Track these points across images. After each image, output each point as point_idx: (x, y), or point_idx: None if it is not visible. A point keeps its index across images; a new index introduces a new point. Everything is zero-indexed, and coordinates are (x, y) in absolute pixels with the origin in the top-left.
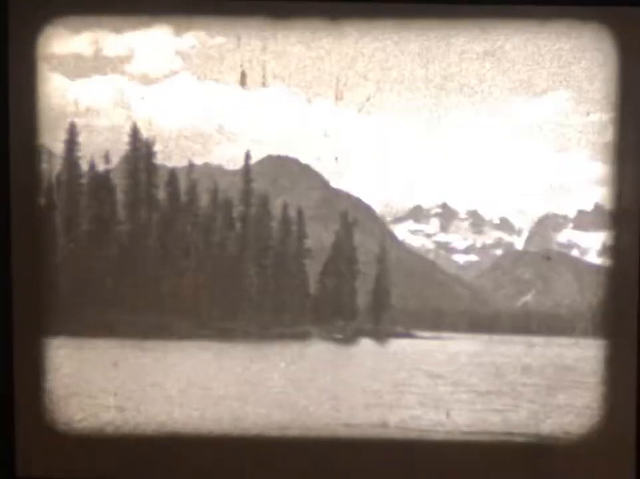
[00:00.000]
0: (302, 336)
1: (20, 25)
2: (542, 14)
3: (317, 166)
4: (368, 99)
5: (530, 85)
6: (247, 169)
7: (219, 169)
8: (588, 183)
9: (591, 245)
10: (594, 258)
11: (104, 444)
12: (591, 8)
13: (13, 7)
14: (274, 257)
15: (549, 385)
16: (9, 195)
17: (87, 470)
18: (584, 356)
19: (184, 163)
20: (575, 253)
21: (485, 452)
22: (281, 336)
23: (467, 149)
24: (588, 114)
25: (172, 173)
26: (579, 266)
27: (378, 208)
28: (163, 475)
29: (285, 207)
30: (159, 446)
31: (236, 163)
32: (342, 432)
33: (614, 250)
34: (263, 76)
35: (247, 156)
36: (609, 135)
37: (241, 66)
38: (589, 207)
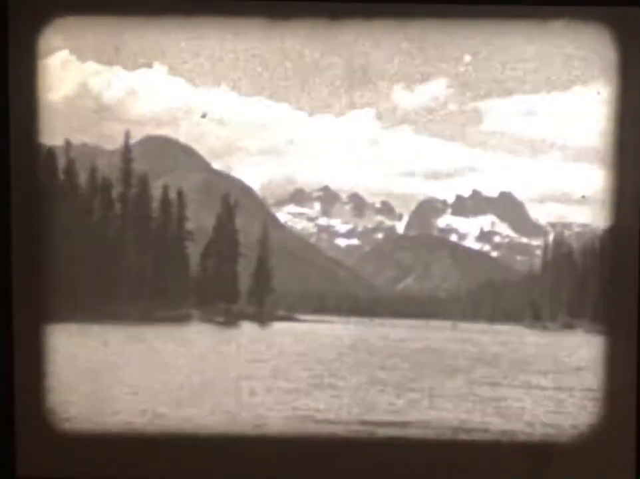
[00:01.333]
0: (183, 319)
1: (20, 25)
2: (542, 14)
3: (198, 148)
4: (255, 85)
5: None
6: (126, 149)
7: (98, 149)
8: (466, 169)
9: (470, 231)
10: (472, 243)
11: (104, 444)
12: (591, 8)
13: (13, 7)
14: (154, 239)
15: (422, 369)
16: (9, 187)
17: (87, 470)
18: (461, 338)
19: (62, 141)
20: (453, 238)
21: (485, 452)
22: (162, 319)
23: (350, 134)
24: (471, 102)
25: (50, 152)
26: (457, 251)
27: (260, 191)
28: (163, 475)
29: (165, 188)
30: (159, 446)
31: (115, 143)
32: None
33: (614, 244)
34: (149, 58)
35: (127, 136)
36: (489, 123)
37: (118, 47)
38: (467, 193)
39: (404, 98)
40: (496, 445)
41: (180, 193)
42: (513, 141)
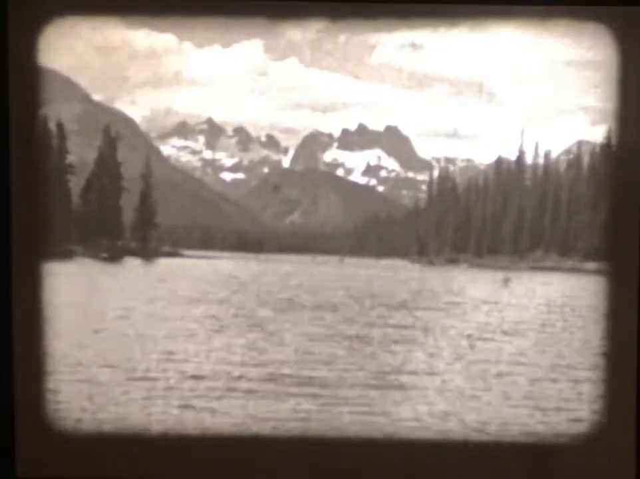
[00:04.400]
0: (66, 255)
1: (20, 25)
2: (542, 14)
3: (77, 78)
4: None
5: None
6: None
7: None
8: (352, 103)
9: (356, 165)
10: (358, 177)
11: (104, 444)
12: (591, 8)
13: (13, 7)
14: (36, 172)
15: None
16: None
17: (87, 470)
18: (349, 274)
19: None
20: (340, 172)
21: (485, 451)
22: (44, 256)
23: (236, 66)
24: (360, 35)
25: None
26: (343, 185)
27: (142, 123)
28: (164, 475)
29: (44, 119)
30: (159, 446)
31: None
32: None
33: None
34: None
35: None
36: (377, 57)
37: None
38: (353, 127)
39: (293, 29)
40: (496, 445)
41: (60, 125)
42: (401, 75)
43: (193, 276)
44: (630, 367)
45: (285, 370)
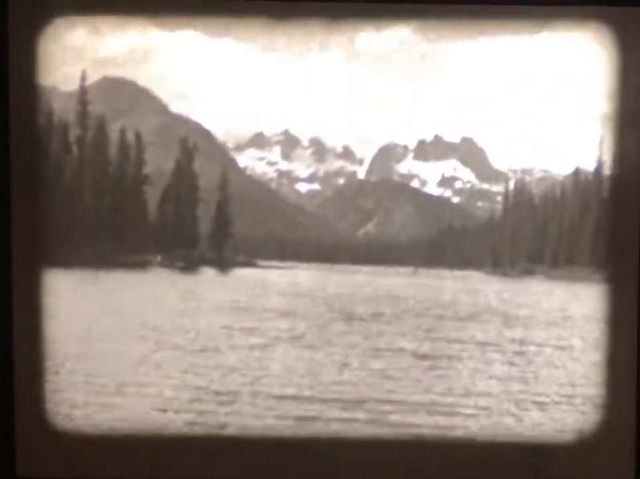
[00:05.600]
0: (142, 265)
1: (20, 25)
2: (542, 14)
3: (156, 90)
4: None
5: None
6: (83, 91)
7: (54, 90)
8: (429, 112)
9: (431, 176)
10: (434, 188)
11: (104, 444)
12: (591, 8)
13: (13, 7)
14: (112, 182)
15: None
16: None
17: (87, 470)
18: (422, 284)
19: None
20: (415, 183)
21: (485, 452)
22: (120, 265)
23: (310, 76)
24: (435, 44)
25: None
26: (419, 196)
27: (219, 134)
28: (163, 475)
29: (123, 131)
30: (159, 446)
31: (71, 84)
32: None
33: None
34: None
35: (83, 77)
36: (452, 67)
37: None
38: (429, 137)
39: (370, 41)
40: (496, 445)
41: (138, 136)
42: (478, 85)
43: (268, 287)
44: (631, 366)
45: (348, 388)
